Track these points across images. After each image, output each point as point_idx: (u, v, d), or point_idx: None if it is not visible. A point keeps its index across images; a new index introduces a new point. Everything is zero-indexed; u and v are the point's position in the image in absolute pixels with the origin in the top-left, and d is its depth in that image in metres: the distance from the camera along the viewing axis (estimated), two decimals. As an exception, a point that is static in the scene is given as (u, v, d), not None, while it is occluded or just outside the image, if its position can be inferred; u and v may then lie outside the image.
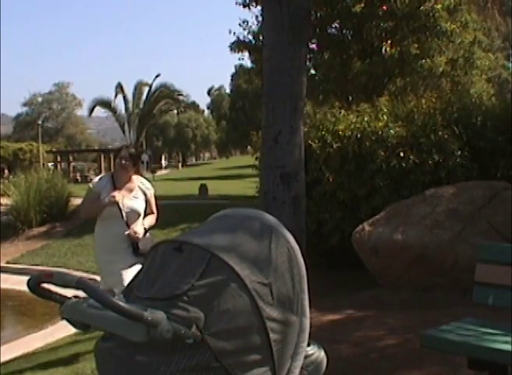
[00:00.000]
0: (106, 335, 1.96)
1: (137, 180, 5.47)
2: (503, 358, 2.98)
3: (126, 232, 5.16)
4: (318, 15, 14.89)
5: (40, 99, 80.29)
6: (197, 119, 75.46)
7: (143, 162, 33.28)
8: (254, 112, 35.55)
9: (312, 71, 15.98)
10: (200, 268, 1.93)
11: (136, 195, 5.36)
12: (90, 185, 5.50)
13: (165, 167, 67.43)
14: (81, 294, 1.85)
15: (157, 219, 5.54)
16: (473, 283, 3.54)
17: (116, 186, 5.29)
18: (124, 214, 5.19)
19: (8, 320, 9.65)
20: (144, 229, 5.31)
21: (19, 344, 7.27)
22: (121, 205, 5.18)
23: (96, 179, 5.65)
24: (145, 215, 5.42)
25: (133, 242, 5.16)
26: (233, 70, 47.39)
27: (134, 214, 5.27)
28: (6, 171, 38.81)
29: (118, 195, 5.18)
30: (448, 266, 5.98)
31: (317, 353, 2.27)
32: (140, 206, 5.34)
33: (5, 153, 42.17)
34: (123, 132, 42.33)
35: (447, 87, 15.13)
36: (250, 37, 16.53)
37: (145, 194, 5.41)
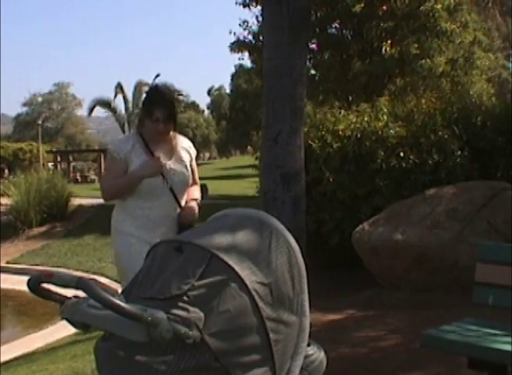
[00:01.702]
0: (106, 335, 1.96)
1: (176, 139, 3.86)
2: (503, 358, 2.98)
3: (179, 211, 3.74)
4: (318, 15, 14.91)
5: (40, 99, 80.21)
6: (197, 119, 75.38)
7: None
8: (254, 112, 35.51)
9: (312, 71, 15.98)
10: (201, 268, 1.93)
11: (182, 158, 3.81)
12: (112, 152, 3.77)
13: (165, 167, 67.21)
14: (81, 294, 1.85)
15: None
16: (473, 283, 3.53)
17: (151, 148, 3.73)
18: (171, 186, 3.72)
19: (8, 320, 9.65)
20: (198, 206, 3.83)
21: (19, 344, 7.28)
22: (166, 175, 3.70)
23: (115, 143, 4.02)
24: None
25: (185, 224, 3.69)
26: (233, 70, 47.27)
27: (183, 185, 3.78)
28: (6, 171, 38.75)
29: (162, 160, 3.70)
30: (448, 266, 5.97)
31: (317, 353, 2.27)
32: (188, 173, 3.82)
33: (5, 153, 42.10)
34: (123, 132, 42.33)
35: (447, 87, 15.13)
36: (250, 37, 16.54)
37: (190, 156, 3.89)
